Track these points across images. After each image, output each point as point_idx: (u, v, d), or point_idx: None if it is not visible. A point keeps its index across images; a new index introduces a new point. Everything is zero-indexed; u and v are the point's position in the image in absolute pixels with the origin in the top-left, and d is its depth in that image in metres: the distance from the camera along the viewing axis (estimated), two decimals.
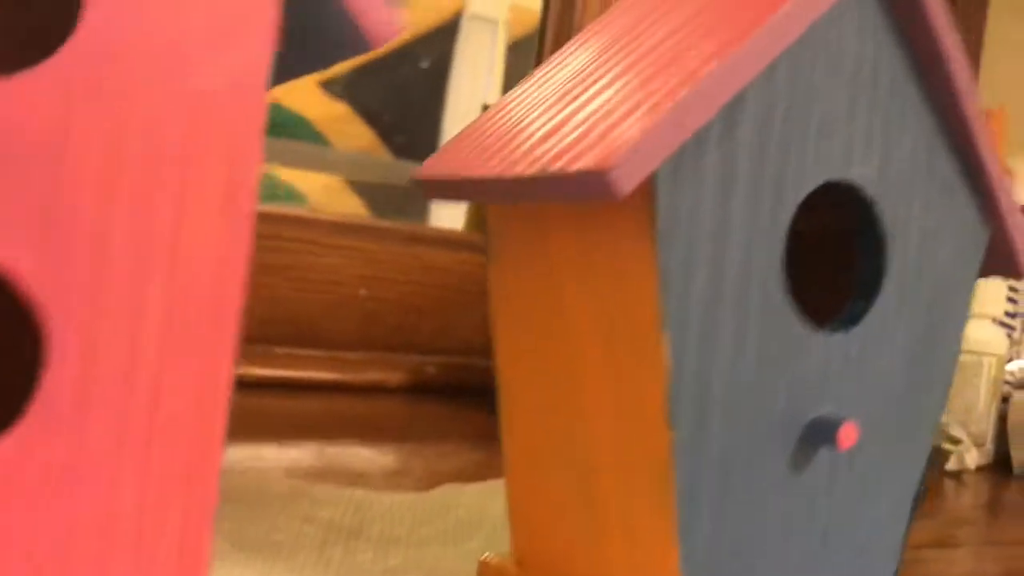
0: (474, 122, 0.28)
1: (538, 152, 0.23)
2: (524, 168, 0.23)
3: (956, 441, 0.65)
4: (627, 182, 0.20)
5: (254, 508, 0.33)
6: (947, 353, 0.27)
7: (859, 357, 0.26)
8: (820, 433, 0.24)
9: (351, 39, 0.19)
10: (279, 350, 0.69)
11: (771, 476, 0.24)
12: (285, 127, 1.04)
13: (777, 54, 0.23)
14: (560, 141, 0.23)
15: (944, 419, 0.66)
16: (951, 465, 0.64)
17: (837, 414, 0.25)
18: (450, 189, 0.26)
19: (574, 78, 0.26)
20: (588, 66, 0.26)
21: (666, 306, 0.22)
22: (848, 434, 0.24)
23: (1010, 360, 0.76)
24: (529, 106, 0.26)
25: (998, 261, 0.29)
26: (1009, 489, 0.65)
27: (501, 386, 0.29)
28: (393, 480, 0.42)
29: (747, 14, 0.23)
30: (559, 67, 0.28)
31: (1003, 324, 0.75)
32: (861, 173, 0.25)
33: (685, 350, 0.22)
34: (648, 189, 0.22)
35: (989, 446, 0.70)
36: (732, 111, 0.23)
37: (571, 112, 0.24)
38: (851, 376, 0.26)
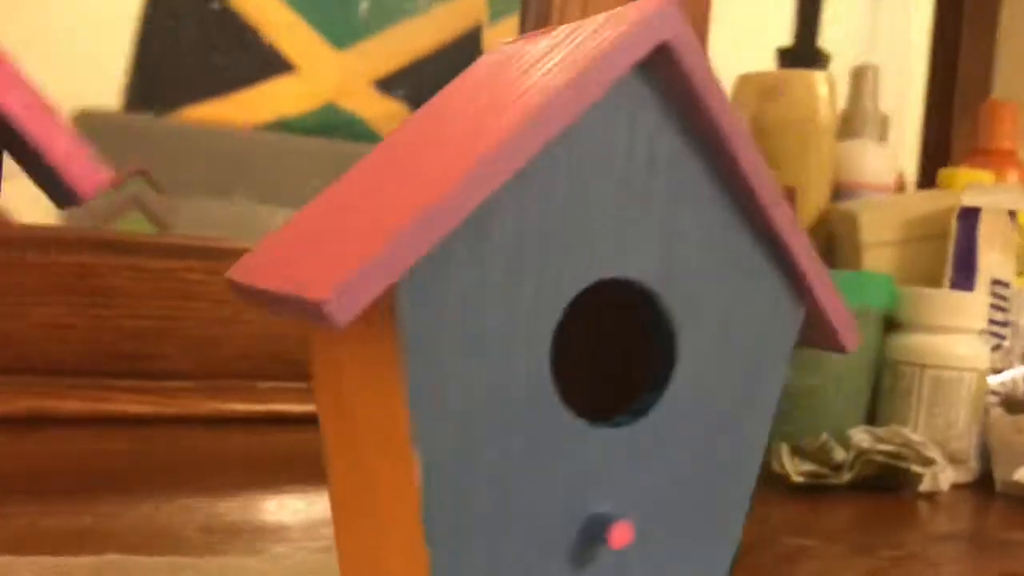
0: (293, 219, 0.29)
1: (294, 269, 0.23)
2: (279, 284, 0.23)
3: (929, 462, 0.63)
4: (343, 314, 0.21)
5: None
6: (755, 435, 0.27)
7: (649, 450, 0.26)
8: (596, 532, 0.25)
9: (55, 193, 0.20)
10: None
11: (548, 572, 0.25)
12: (340, 128, 1.05)
13: (525, 161, 0.23)
14: (315, 258, 0.23)
15: (918, 439, 0.65)
16: (924, 486, 0.63)
17: (612, 512, 0.25)
18: (247, 294, 0.27)
19: (362, 183, 0.26)
20: (370, 172, 0.26)
21: (415, 423, 0.23)
22: (621, 533, 0.24)
23: (1000, 371, 0.74)
24: (319, 213, 0.27)
25: (820, 336, 0.29)
26: (989, 510, 0.63)
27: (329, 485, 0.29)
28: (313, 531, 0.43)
29: (485, 133, 0.23)
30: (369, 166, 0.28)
31: (992, 334, 0.73)
32: (640, 268, 0.25)
33: (438, 467, 0.23)
34: (391, 307, 0.22)
35: (973, 464, 0.69)
36: (480, 221, 0.23)
37: (332, 228, 0.24)
38: (639, 470, 0.26)
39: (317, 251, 0.23)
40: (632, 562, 0.26)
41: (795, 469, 0.62)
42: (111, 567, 0.36)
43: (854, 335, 0.28)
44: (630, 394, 0.28)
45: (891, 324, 0.70)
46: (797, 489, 0.62)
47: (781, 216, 0.26)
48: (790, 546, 0.49)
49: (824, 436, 0.64)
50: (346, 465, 0.27)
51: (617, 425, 0.25)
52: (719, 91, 0.25)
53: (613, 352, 0.31)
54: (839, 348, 0.28)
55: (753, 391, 0.27)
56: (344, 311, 0.21)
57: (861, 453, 0.63)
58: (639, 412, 0.26)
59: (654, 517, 0.26)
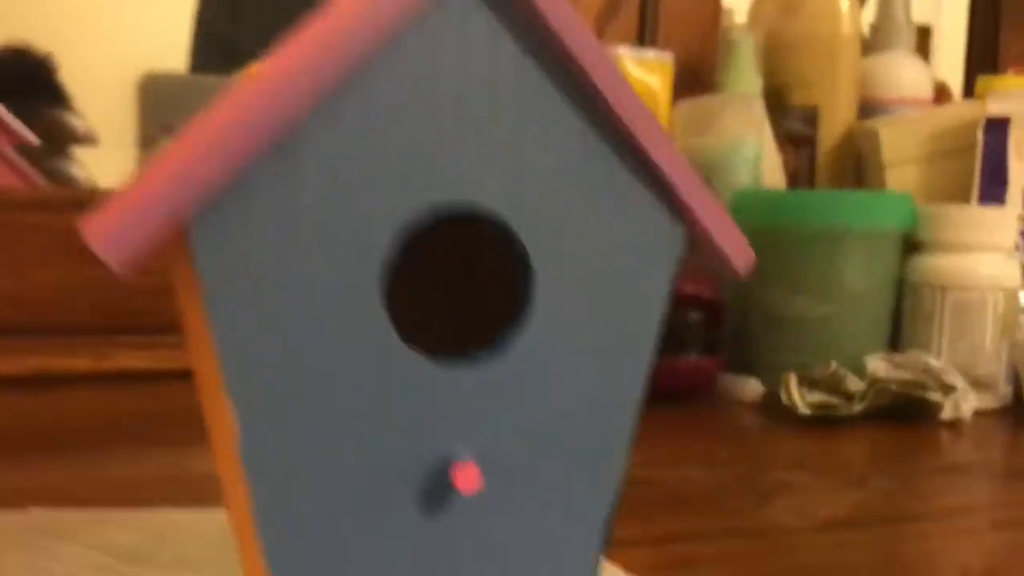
0: None
1: (101, 214, 0.22)
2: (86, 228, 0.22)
3: (950, 389, 0.60)
4: (116, 256, 0.19)
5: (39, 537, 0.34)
6: (632, 373, 0.25)
7: (509, 390, 0.24)
8: (444, 477, 0.23)
9: None
10: None
11: (402, 524, 0.23)
12: None
13: (331, 81, 0.21)
14: (116, 200, 0.22)
15: (938, 365, 0.61)
16: (945, 415, 0.60)
17: (461, 453, 0.23)
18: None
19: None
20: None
21: (225, 371, 0.21)
22: (467, 476, 0.23)
23: None
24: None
25: (710, 260, 0.26)
26: (1016, 438, 0.60)
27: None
28: None
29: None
30: None
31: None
32: (484, 196, 0.23)
33: (253, 416, 0.22)
34: (187, 250, 0.21)
35: (1003, 389, 0.65)
36: (286, 151, 0.21)
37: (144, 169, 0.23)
38: (498, 411, 0.24)
39: (121, 194, 0.22)
40: (493, 510, 0.24)
41: (803, 401, 0.60)
42: (33, 520, 0.36)
43: (745, 256, 0.26)
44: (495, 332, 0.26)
45: (912, 245, 0.66)
46: (806, 423, 0.59)
47: (646, 131, 0.24)
48: (775, 481, 0.47)
49: (834, 365, 0.61)
50: (206, 411, 0.27)
51: (470, 364, 0.24)
52: (563, 3, 0.23)
53: (480, 290, 0.29)
54: (732, 272, 0.26)
55: (627, 324, 0.25)
56: (116, 254, 0.19)
57: (875, 382, 0.60)
58: (496, 350, 0.24)
59: (517, 461, 0.24)
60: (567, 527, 0.25)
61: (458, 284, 0.31)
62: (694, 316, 0.64)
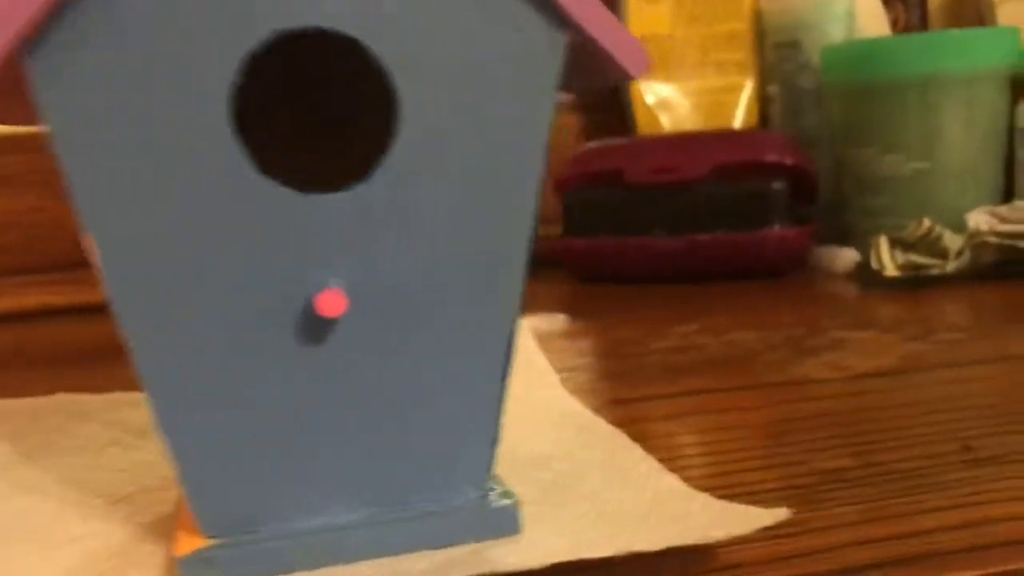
0: None
1: None
2: None
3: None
4: None
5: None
6: (517, 199, 0.24)
7: (378, 219, 0.23)
8: (310, 304, 0.23)
9: None
10: None
11: (281, 360, 0.23)
12: None
13: None
14: None
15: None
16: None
17: (329, 281, 0.23)
18: None
19: None
20: None
21: (83, 212, 0.22)
22: (329, 301, 0.23)
23: None
24: None
25: (600, 68, 0.25)
26: None
27: None
28: None
29: None
30: None
31: None
32: (333, 13, 0.22)
33: (113, 250, 0.22)
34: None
35: None
36: None
37: None
38: (368, 240, 0.23)
39: None
40: (374, 341, 0.24)
41: (892, 263, 0.56)
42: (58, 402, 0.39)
43: (639, 59, 0.24)
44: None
45: (1022, 87, 0.60)
46: (896, 287, 0.55)
47: None
48: (828, 339, 0.44)
49: (927, 222, 0.56)
50: None
51: (335, 191, 0.23)
52: None
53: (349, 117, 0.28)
54: (625, 76, 0.24)
55: (508, 143, 0.24)
56: None
57: (975, 236, 0.55)
58: (362, 177, 0.23)
59: (395, 292, 0.24)
60: (458, 361, 0.24)
61: (328, 113, 0.31)
62: (777, 185, 0.61)
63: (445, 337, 0.24)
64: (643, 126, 0.75)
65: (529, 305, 0.45)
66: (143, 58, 0.21)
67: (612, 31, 0.24)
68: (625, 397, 0.38)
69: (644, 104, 0.75)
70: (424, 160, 0.23)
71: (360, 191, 0.23)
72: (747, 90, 0.74)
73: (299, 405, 0.24)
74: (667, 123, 0.74)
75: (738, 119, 0.74)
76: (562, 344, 0.47)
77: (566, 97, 0.74)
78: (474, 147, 0.24)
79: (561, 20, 0.23)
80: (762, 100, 0.74)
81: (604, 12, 0.24)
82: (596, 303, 0.58)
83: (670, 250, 0.61)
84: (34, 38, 0.21)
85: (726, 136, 0.65)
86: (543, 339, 0.47)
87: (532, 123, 0.24)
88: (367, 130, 0.27)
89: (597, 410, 0.34)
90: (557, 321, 0.53)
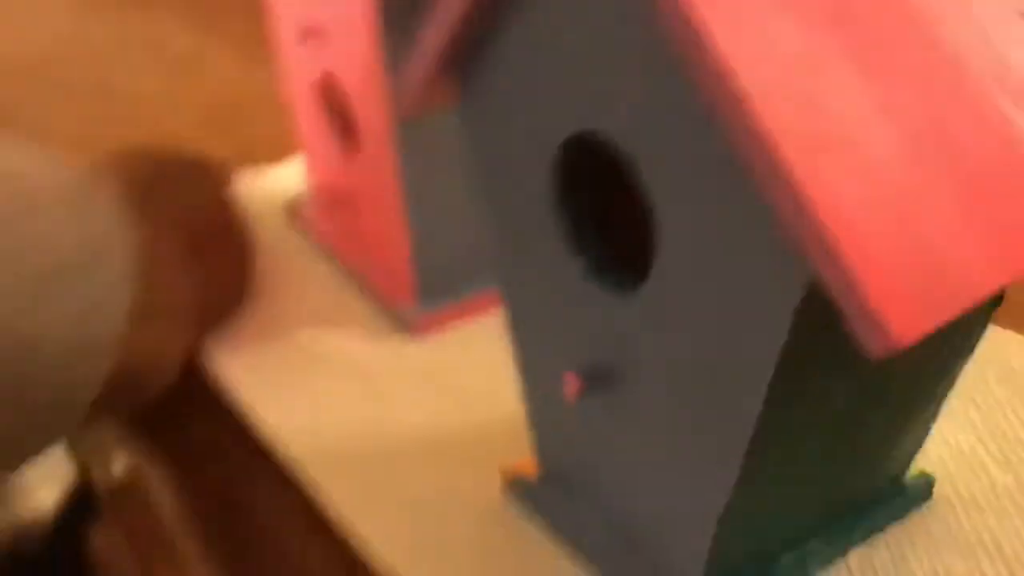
0: None
1: None
2: None
3: None
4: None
5: None
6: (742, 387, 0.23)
7: (650, 318, 0.25)
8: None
9: None
10: None
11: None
12: None
13: None
14: None
15: None
16: None
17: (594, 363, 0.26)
18: None
19: None
20: None
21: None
22: (570, 383, 0.26)
23: None
24: None
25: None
26: None
27: None
28: None
29: None
30: None
31: None
32: (610, 122, 0.23)
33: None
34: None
35: None
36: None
37: None
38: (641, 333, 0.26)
39: None
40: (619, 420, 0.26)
41: None
42: None
43: (880, 336, 0.19)
44: None
45: None
46: None
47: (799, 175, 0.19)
48: None
49: None
50: None
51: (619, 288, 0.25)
52: None
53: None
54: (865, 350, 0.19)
55: (737, 339, 0.22)
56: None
57: None
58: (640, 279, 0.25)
59: (649, 381, 0.26)
60: (692, 462, 0.26)
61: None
62: None
63: (681, 433, 0.26)
64: None
65: None
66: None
67: (854, 293, 0.20)
68: None
69: None
70: (676, 274, 0.24)
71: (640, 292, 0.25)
72: None
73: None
74: None
75: None
76: None
77: None
78: (707, 304, 0.23)
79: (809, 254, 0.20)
80: None
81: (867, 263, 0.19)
82: None
83: None
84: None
85: None
86: None
87: (758, 335, 0.22)
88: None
89: None
90: None
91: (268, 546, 0.34)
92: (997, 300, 0.26)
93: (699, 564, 0.27)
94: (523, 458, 0.34)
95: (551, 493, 0.33)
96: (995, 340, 0.41)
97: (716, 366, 0.24)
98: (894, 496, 0.32)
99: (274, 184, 0.59)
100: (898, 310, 0.19)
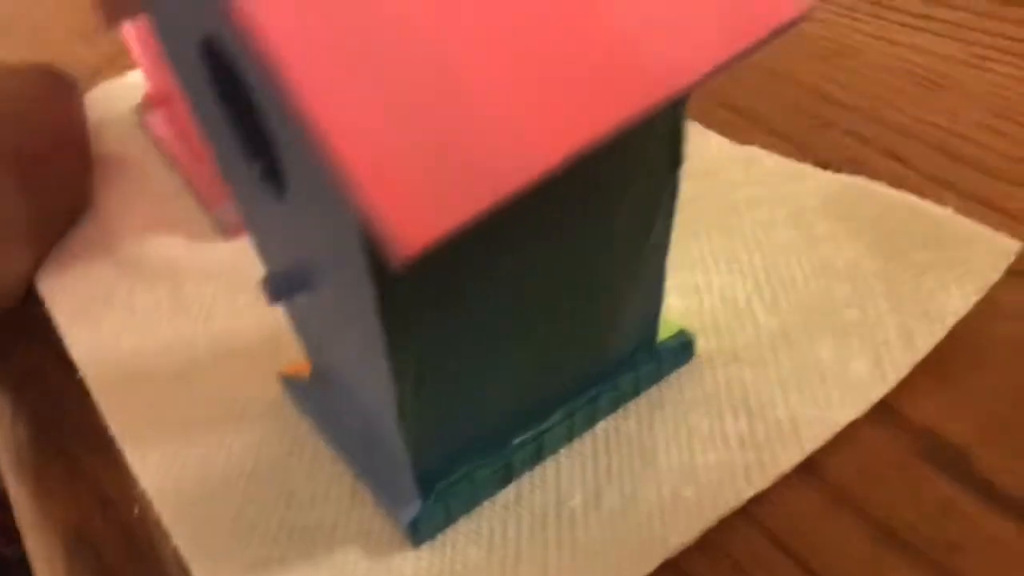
0: None
1: None
2: None
3: None
4: None
5: None
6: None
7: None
8: None
9: None
10: None
11: None
12: None
13: None
14: None
15: None
16: None
17: None
18: None
19: None
20: None
21: None
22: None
23: None
24: None
25: None
26: None
27: None
28: None
29: None
30: None
31: None
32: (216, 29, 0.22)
33: None
34: None
35: None
36: None
37: None
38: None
39: None
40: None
41: None
42: None
43: (393, 244, 0.18)
44: None
45: None
46: None
47: None
48: None
49: None
50: None
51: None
52: None
53: None
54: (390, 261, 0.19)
55: None
56: None
57: None
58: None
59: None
60: (365, 361, 0.25)
61: None
62: None
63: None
64: None
65: None
66: None
67: None
68: None
69: None
70: None
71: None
72: None
73: None
74: None
75: None
76: None
77: None
78: None
79: None
80: None
81: None
82: None
83: None
84: None
85: None
86: None
87: None
88: None
89: None
90: None
91: (75, 472, 0.35)
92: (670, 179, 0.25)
93: (405, 456, 0.27)
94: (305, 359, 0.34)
95: (316, 392, 0.33)
96: (787, 177, 0.39)
97: (340, 269, 0.23)
98: (645, 362, 0.31)
99: (129, 91, 0.58)
100: (410, 216, 0.18)
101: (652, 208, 0.27)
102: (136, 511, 0.32)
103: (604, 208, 0.26)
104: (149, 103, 0.52)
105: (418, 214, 0.18)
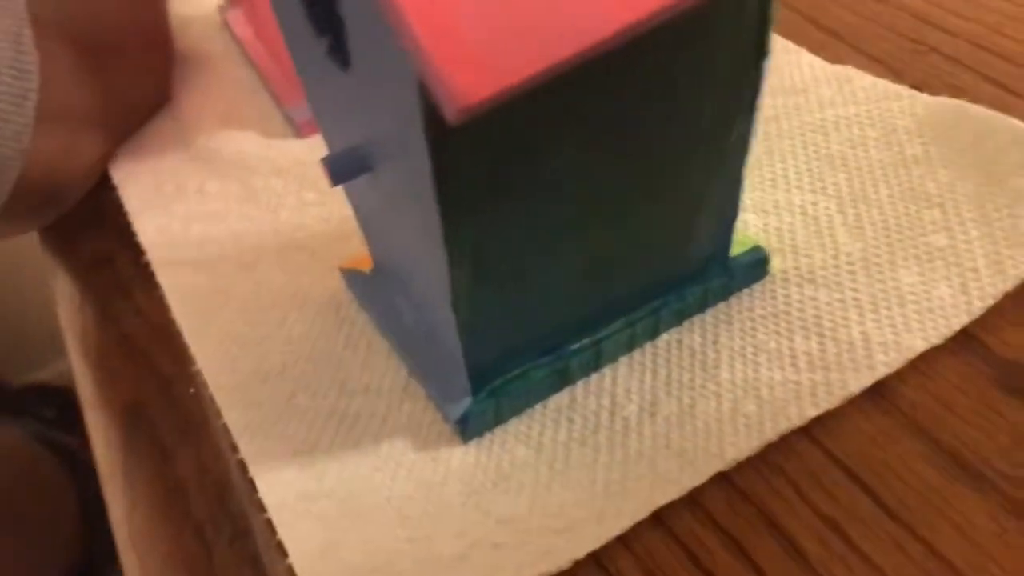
0: None
1: None
2: None
3: None
4: None
5: None
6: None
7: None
8: None
9: None
10: None
11: None
12: None
13: None
14: None
15: None
16: None
17: None
18: None
19: None
20: None
21: None
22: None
23: None
24: None
25: None
26: None
27: None
28: None
29: None
30: None
31: None
32: None
33: None
34: None
35: None
36: None
37: None
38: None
39: None
40: None
41: None
42: None
43: (450, 98, 0.17)
44: None
45: None
46: None
47: None
48: None
49: None
50: None
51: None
52: None
53: None
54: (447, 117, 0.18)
55: None
56: None
57: None
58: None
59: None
60: (424, 246, 0.25)
61: None
62: None
63: None
64: None
65: None
66: None
67: None
68: None
69: None
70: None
71: None
72: None
73: None
74: None
75: None
76: None
77: None
78: None
79: None
80: None
81: None
82: None
83: None
84: None
85: None
86: None
87: None
88: None
89: None
90: None
91: (136, 352, 0.36)
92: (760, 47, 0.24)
93: (459, 351, 0.27)
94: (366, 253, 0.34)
95: (375, 285, 0.33)
96: (881, 96, 0.37)
97: (403, 152, 0.22)
98: (715, 275, 0.30)
99: None
100: (465, 73, 0.17)
101: (734, 104, 0.25)
102: (192, 390, 0.32)
103: (683, 98, 0.24)
104: (232, 0, 0.52)
105: (475, 72, 0.18)
